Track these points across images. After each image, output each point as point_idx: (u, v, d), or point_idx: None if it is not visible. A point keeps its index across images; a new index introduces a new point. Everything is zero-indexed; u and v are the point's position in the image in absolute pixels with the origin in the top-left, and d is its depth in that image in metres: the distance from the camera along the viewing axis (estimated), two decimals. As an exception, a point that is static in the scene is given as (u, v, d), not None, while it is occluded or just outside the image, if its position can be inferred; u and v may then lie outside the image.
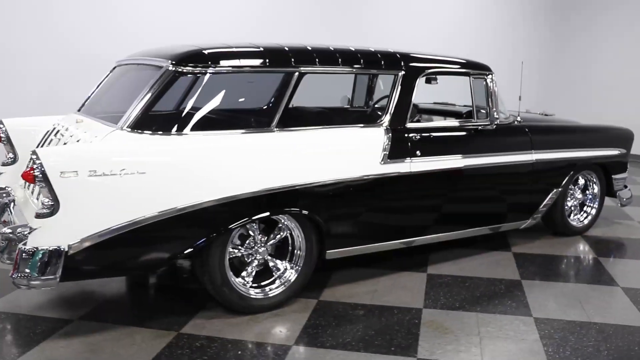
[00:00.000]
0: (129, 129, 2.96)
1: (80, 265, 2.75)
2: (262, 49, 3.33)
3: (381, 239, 3.72)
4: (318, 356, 2.84)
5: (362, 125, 3.65)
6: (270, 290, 3.34)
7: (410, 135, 3.72)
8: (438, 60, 4.06)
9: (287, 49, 3.40)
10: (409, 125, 3.76)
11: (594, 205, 5.05)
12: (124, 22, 5.64)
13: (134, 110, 3.02)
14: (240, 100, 3.55)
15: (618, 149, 5.02)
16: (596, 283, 3.88)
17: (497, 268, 4.11)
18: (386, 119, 3.67)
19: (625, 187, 5.16)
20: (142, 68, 3.40)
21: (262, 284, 3.33)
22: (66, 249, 2.67)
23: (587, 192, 5.03)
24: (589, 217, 5.02)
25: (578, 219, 4.97)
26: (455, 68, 4.17)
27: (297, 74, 3.36)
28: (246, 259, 3.30)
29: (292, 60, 3.36)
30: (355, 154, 3.51)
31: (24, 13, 5.10)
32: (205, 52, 3.18)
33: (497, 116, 4.19)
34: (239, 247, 3.28)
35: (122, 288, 3.66)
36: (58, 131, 3.42)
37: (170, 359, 2.78)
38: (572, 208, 4.94)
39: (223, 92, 3.26)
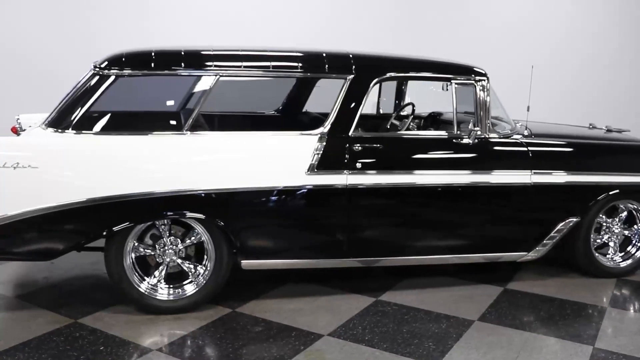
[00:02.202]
0: (45, 127, 3.19)
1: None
2: (182, 51, 3.33)
3: (310, 256, 3.47)
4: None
5: (294, 132, 3.43)
6: (178, 293, 3.33)
7: (352, 145, 3.40)
8: (405, 63, 3.64)
9: (209, 52, 3.35)
10: (354, 134, 3.44)
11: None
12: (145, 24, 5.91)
13: (55, 109, 3.25)
14: (158, 102, 3.59)
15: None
16: (573, 339, 3.13)
17: (464, 304, 3.55)
18: (326, 126, 3.40)
19: (693, 223, 4.07)
20: None
21: (171, 286, 3.35)
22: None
23: (636, 226, 4.07)
24: (630, 259, 4.05)
25: (613, 258, 4.04)
26: (429, 73, 3.69)
27: (214, 77, 3.29)
28: (157, 260, 3.35)
29: (212, 63, 3.30)
30: (276, 162, 3.33)
31: (45, 11, 5.55)
32: (126, 55, 3.28)
33: (478, 128, 3.60)
34: (151, 247, 3.33)
35: (67, 273, 3.92)
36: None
37: (43, 343, 2.94)
38: (611, 244, 4.04)
39: (142, 94, 3.34)
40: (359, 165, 3.39)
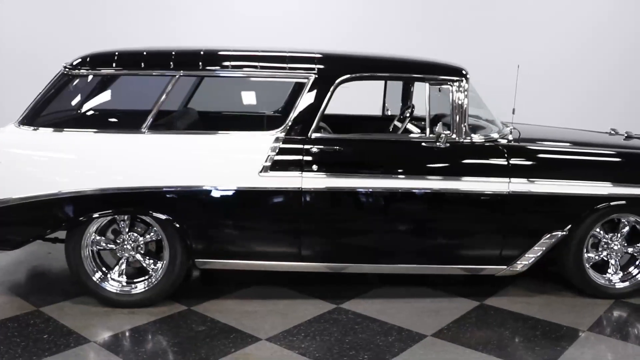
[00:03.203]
0: (17, 124, 3.38)
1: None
2: (144, 52, 3.40)
3: (265, 258, 3.42)
4: (85, 355, 2.87)
5: (251, 132, 3.39)
6: (132, 288, 3.40)
7: (309, 147, 3.31)
8: (372, 63, 3.50)
9: (170, 52, 3.39)
10: (315, 135, 3.35)
11: (645, 265, 3.66)
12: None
13: (27, 107, 3.43)
14: (122, 101, 3.66)
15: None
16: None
17: (426, 317, 3.35)
18: (284, 127, 3.34)
19: None
20: None
21: (129, 281, 3.42)
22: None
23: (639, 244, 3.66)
24: (629, 281, 3.64)
25: (610, 277, 3.65)
26: (400, 73, 3.52)
27: (175, 77, 3.33)
28: (118, 254, 3.44)
29: (172, 63, 3.34)
30: (230, 162, 3.31)
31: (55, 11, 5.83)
32: (91, 56, 3.40)
33: (448, 132, 3.38)
34: (112, 241, 3.43)
35: (57, 263, 4.07)
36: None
37: (-2, 328, 3.13)
38: (612, 262, 3.66)
39: (106, 93, 3.46)
40: (315, 167, 3.30)
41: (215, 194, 3.28)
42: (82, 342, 2.98)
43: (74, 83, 3.41)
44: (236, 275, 3.81)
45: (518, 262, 3.51)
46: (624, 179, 3.48)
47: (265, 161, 3.27)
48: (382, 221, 3.44)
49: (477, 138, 3.45)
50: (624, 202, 3.47)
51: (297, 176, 3.29)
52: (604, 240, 3.62)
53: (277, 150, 3.28)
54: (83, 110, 3.46)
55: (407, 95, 4.59)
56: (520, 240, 3.49)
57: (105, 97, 3.50)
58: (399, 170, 3.35)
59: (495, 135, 3.54)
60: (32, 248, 3.88)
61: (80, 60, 3.38)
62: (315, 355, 2.90)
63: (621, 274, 3.66)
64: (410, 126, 3.89)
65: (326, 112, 4.56)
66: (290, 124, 3.34)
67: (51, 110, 3.42)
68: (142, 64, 3.36)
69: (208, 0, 6.08)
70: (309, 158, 3.30)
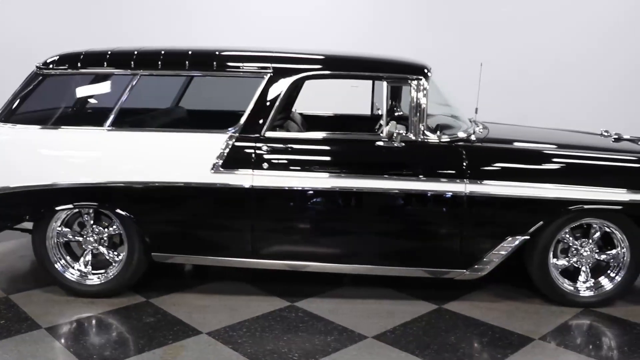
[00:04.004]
0: (-7, 121, 3.59)
1: None
2: (108, 52, 3.53)
3: (217, 254, 3.47)
4: (31, 341, 3.00)
5: (207, 130, 3.45)
6: (91, 279, 3.54)
7: (261, 145, 3.34)
8: (329, 61, 3.48)
9: (131, 52, 3.50)
10: (268, 134, 3.38)
11: (618, 273, 3.45)
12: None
13: (4, 105, 3.63)
14: (88, 99, 3.79)
15: (671, 193, 3.30)
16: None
17: (376, 319, 3.30)
18: (238, 125, 3.39)
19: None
20: None
21: (86, 272, 3.55)
22: None
23: (614, 251, 3.46)
24: (594, 290, 3.46)
25: (577, 286, 3.47)
26: (358, 71, 3.49)
27: (135, 76, 3.44)
28: (83, 246, 3.59)
29: (133, 63, 3.46)
30: (184, 159, 3.39)
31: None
32: (60, 56, 3.56)
33: (402, 131, 3.32)
34: (78, 234, 3.58)
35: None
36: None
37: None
38: (583, 269, 3.48)
39: (75, 91, 3.62)
40: (265, 165, 3.32)
41: (170, 190, 3.36)
42: (34, 328, 3.13)
43: (45, 82, 3.56)
44: (207, 271, 3.91)
45: (478, 266, 3.40)
46: (589, 182, 3.30)
47: (217, 159, 3.33)
48: (334, 221, 3.42)
49: (434, 138, 3.38)
50: (588, 206, 3.30)
51: (248, 174, 3.32)
52: (574, 246, 3.46)
53: (229, 148, 3.33)
54: (53, 107, 3.64)
55: (396, 94, 4.54)
56: (479, 243, 3.38)
57: (74, 95, 3.66)
58: (351, 170, 3.33)
59: (460, 135, 3.45)
60: (26, 239, 4.06)
61: (50, 60, 3.55)
62: (246, 351, 2.92)
63: (592, 281, 3.48)
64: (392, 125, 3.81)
65: (316, 112, 4.71)
66: (244, 122, 3.38)
67: (25, 107, 3.59)
68: (106, 63, 3.49)
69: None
70: (261, 156, 3.33)
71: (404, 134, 3.33)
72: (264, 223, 3.40)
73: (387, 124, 3.39)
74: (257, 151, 3.33)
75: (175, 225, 3.46)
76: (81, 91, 3.67)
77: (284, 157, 3.35)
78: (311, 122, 4.46)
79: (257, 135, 3.36)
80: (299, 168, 3.34)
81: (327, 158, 3.39)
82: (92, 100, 3.73)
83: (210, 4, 6.31)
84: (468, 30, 6.29)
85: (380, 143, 3.35)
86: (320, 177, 3.32)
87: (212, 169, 3.32)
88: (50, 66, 3.53)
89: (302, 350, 2.94)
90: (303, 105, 4.67)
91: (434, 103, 3.93)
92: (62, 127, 3.48)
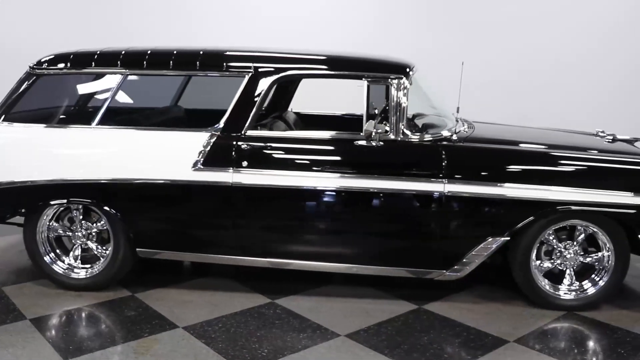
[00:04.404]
0: (-7, 120, 3.73)
1: None
2: (96, 53, 3.62)
3: (199, 250, 3.53)
4: (14, 331, 3.11)
5: (190, 129, 3.51)
6: (78, 272, 3.64)
7: (241, 143, 3.39)
8: (309, 61, 3.50)
9: (119, 52, 3.58)
10: (249, 133, 3.42)
11: (603, 277, 3.37)
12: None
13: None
14: (79, 98, 3.87)
15: (653, 195, 3.22)
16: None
17: (351, 317, 3.31)
18: (219, 124, 3.44)
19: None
20: None
21: (74, 265, 3.65)
22: None
23: (599, 254, 3.39)
24: (574, 293, 3.39)
25: (558, 288, 3.41)
26: (337, 70, 3.49)
27: (122, 76, 3.53)
28: (73, 241, 3.70)
29: (119, 63, 3.55)
30: (167, 157, 3.46)
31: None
32: (51, 56, 3.67)
33: (380, 130, 3.31)
34: (68, 228, 3.69)
35: None
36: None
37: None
38: (568, 272, 3.42)
39: (65, 90, 3.73)
40: (244, 163, 3.37)
41: (153, 187, 3.44)
42: (19, 319, 3.25)
43: (39, 81, 3.69)
44: (196, 267, 3.99)
45: (458, 267, 3.38)
46: (570, 183, 3.24)
47: (199, 157, 3.39)
48: (313, 219, 3.45)
49: (415, 137, 3.36)
50: (563, 207, 3.24)
51: (228, 172, 3.38)
52: (558, 248, 3.40)
53: (210, 147, 3.39)
54: (46, 106, 3.75)
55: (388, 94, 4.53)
56: (459, 244, 3.36)
57: (65, 94, 3.77)
58: (329, 169, 3.34)
59: (442, 134, 3.42)
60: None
61: (42, 60, 3.67)
62: (218, 346, 2.97)
63: (575, 285, 3.42)
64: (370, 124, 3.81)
65: (312, 112, 4.73)
66: (225, 121, 3.43)
67: (20, 106, 3.72)
68: (94, 63, 3.59)
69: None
70: (241, 154, 3.38)
71: (382, 133, 3.33)
72: (244, 220, 3.44)
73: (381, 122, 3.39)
74: (238, 149, 3.38)
75: (159, 222, 3.54)
76: (72, 90, 3.78)
77: (263, 156, 3.38)
78: (308, 121, 4.49)
79: (238, 133, 3.41)
80: (278, 166, 3.37)
81: (307, 157, 3.41)
82: (82, 99, 3.83)
83: (212, 3, 6.38)
84: (469, 30, 6.22)
85: (359, 142, 3.35)
86: (299, 175, 3.35)
87: (193, 166, 3.39)
88: (43, 66, 3.64)
89: (272, 347, 2.97)
90: (307, 105, 4.72)
91: (423, 102, 3.97)
92: (54, 125, 3.61)
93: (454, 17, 6.28)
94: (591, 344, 3.08)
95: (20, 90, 3.67)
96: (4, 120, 3.59)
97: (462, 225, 3.35)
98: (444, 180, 3.28)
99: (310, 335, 3.11)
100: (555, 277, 3.48)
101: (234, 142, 3.39)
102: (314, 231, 3.47)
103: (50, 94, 3.74)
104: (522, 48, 5.86)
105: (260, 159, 3.37)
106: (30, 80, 3.67)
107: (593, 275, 3.40)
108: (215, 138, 3.40)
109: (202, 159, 3.38)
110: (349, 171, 3.33)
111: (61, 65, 3.62)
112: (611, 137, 3.93)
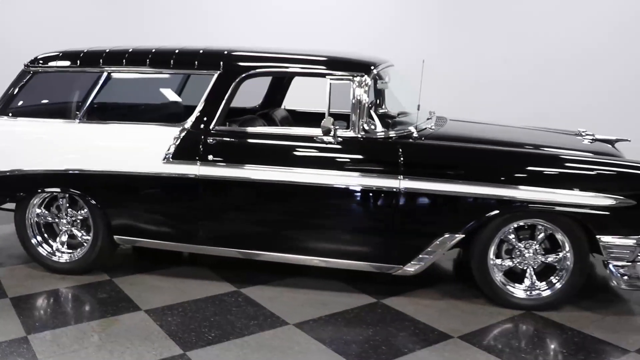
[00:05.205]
0: (-6, 115, 4.04)
1: None
2: (82, 52, 3.87)
3: (170, 239, 3.72)
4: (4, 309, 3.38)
5: (163, 123, 3.69)
6: (59, 256, 3.90)
7: (207, 138, 3.55)
8: (274, 59, 3.63)
9: (102, 51, 3.82)
10: (218, 128, 3.58)
11: (561, 279, 3.34)
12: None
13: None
14: (68, 94, 4.13)
15: (613, 195, 3.15)
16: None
17: (306, 307, 3.41)
18: (190, 119, 3.62)
19: (634, 261, 3.19)
20: None
21: (63, 251, 3.92)
22: None
23: (560, 254, 3.35)
24: (539, 292, 3.37)
25: (513, 288, 3.40)
26: (301, 68, 3.59)
27: (104, 73, 3.77)
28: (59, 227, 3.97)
29: (101, 61, 3.78)
30: (141, 150, 3.66)
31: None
32: (43, 55, 3.95)
33: (337, 127, 3.40)
34: (55, 216, 3.97)
35: None
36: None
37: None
38: (529, 271, 3.40)
39: (57, 87, 4.00)
40: (210, 157, 3.53)
41: (127, 179, 3.65)
42: (2, 297, 3.53)
43: (33, 78, 3.98)
44: (179, 256, 4.19)
45: (414, 262, 3.42)
46: (526, 182, 3.23)
47: (169, 150, 3.58)
48: (273, 212, 3.56)
49: (374, 133, 3.43)
50: (527, 206, 3.22)
51: (194, 165, 3.55)
52: (517, 247, 3.39)
53: (179, 141, 3.57)
54: (38, 101, 4.05)
55: (378, 93, 4.61)
56: (414, 240, 3.41)
57: (57, 90, 4.05)
58: (288, 163, 3.46)
59: (404, 131, 3.47)
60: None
61: (35, 59, 3.95)
62: (170, 329, 3.15)
63: (533, 285, 3.40)
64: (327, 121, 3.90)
65: (305, 109, 4.85)
66: (195, 117, 3.61)
67: (17, 101, 4.02)
68: (79, 62, 3.85)
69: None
70: (207, 148, 3.54)
71: (340, 130, 3.41)
72: (210, 212, 3.61)
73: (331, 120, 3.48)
74: (204, 144, 3.54)
75: (133, 211, 3.75)
76: (62, 87, 4.05)
77: (227, 150, 3.54)
78: (300, 118, 4.58)
79: (206, 128, 3.58)
80: (240, 160, 3.51)
81: (268, 152, 3.54)
82: (70, 96, 4.10)
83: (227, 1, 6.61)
84: (480, 29, 6.17)
85: (318, 138, 3.45)
86: (260, 169, 3.48)
87: (164, 159, 3.58)
88: (36, 64, 3.92)
89: (220, 331, 3.12)
90: (309, 102, 4.84)
91: (396, 99, 4.04)
92: (45, 118, 3.88)
93: (463, 14, 6.25)
94: (535, 343, 3.06)
95: (19, 87, 3.96)
96: (12, 116, 3.88)
97: (417, 221, 3.40)
98: (399, 176, 3.33)
99: (260, 322, 3.24)
100: (518, 276, 3.47)
101: (202, 137, 3.56)
102: (274, 224, 3.59)
103: (44, 90, 4.02)
104: (541, 47, 5.80)
105: (224, 153, 3.53)
106: (27, 78, 3.96)
107: (552, 276, 3.37)
108: (185, 133, 3.58)
109: (171, 153, 3.57)
110: (307, 166, 3.43)
111: (52, 64, 3.89)
112: (592, 137, 3.88)
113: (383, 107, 4.02)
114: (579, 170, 3.28)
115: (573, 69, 5.81)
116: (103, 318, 3.28)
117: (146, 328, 3.16)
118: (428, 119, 3.88)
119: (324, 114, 4.66)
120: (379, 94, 3.97)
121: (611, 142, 3.96)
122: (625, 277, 3.20)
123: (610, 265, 3.22)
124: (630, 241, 3.18)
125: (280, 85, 4.81)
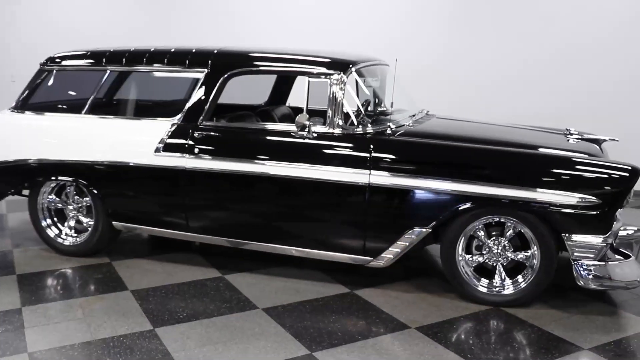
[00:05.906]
0: (11, 110, 4.43)
1: None
2: (87, 52, 4.20)
3: (162, 226, 3.98)
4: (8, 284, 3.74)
5: (156, 118, 3.95)
6: (64, 238, 4.25)
7: (194, 132, 3.78)
8: (256, 58, 3.81)
9: (105, 51, 4.13)
10: (206, 123, 3.81)
11: (527, 275, 3.35)
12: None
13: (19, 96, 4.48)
14: (78, 90, 4.44)
15: (579, 193, 3.15)
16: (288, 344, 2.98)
17: (280, 294, 3.60)
18: (181, 115, 3.87)
19: (602, 260, 3.17)
20: None
21: (69, 234, 4.26)
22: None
23: (529, 252, 3.37)
24: (500, 289, 3.40)
25: (478, 283, 3.44)
26: (281, 67, 3.77)
27: (107, 72, 4.09)
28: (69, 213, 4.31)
29: (104, 60, 4.10)
30: (134, 143, 3.94)
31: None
32: (55, 55, 4.31)
33: (310, 123, 3.54)
34: (64, 202, 4.32)
35: None
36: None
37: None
38: (498, 267, 3.44)
39: (67, 84, 4.35)
40: (196, 150, 3.76)
41: (123, 169, 3.95)
42: (10, 274, 3.90)
43: (47, 76, 4.34)
44: (177, 242, 4.43)
45: (383, 255, 3.53)
46: (492, 179, 3.27)
47: (160, 143, 3.84)
48: (254, 203, 3.75)
49: (348, 130, 3.55)
50: (491, 203, 3.27)
51: (182, 157, 3.79)
52: (486, 243, 3.43)
53: (170, 134, 3.83)
54: (51, 97, 4.41)
55: (365, 90, 4.71)
56: (383, 233, 3.51)
57: (68, 87, 4.40)
58: (267, 158, 3.64)
59: (381, 128, 3.59)
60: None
61: (49, 58, 4.32)
62: (148, 308, 3.40)
63: (500, 281, 3.43)
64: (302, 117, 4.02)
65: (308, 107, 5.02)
66: (185, 112, 3.86)
67: (34, 98, 4.40)
68: (84, 61, 4.18)
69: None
70: (194, 142, 3.78)
71: (314, 126, 3.56)
72: (194, 202, 3.85)
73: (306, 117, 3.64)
74: (192, 137, 3.78)
75: (129, 199, 4.04)
76: (71, 84, 4.40)
77: (213, 144, 3.76)
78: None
79: (195, 123, 3.81)
80: (224, 154, 3.73)
81: (249, 146, 3.73)
82: (78, 92, 4.43)
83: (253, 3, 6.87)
84: (487, 31, 6.16)
85: (294, 134, 3.61)
86: (240, 163, 3.68)
87: (155, 151, 3.84)
88: (53, 62, 4.29)
89: (192, 311, 3.35)
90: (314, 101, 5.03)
91: (383, 97, 4.15)
92: (57, 113, 4.24)
93: (469, 15, 6.26)
94: (488, 337, 3.11)
95: (35, 84, 4.35)
96: (27, 110, 4.26)
97: (385, 216, 3.49)
98: (368, 171, 3.45)
99: (231, 306, 3.44)
100: (490, 273, 3.51)
101: (190, 131, 3.80)
102: (255, 215, 3.78)
103: (58, 87, 4.38)
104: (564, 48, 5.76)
105: (210, 147, 3.75)
106: (43, 76, 4.34)
107: (519, 274, 3.40)
108: (175, 127, 3.83)
109: (162, 145, 3.83)
110: (283, 160, 3.60)
111: (63, 63, 4.25)
112: (578, 136, 3.86)
113: (371, 104, 4.14)
114: (545, 168, 3.29)
115: (586, 68, 5.72)
116: (90, 296, 3.57)
117: (126, 305, 3.43)
118: (411, 115, 3.96)
119: (325, 111, 4.84)
120: (369, 91, 4.10)
121: (599, 141, 3.92)
122: (591, 277, 3.19)
123: (577, 265, 3.21)
124: (597, 240, 3.17)
125: (284, 83, 5.01)
